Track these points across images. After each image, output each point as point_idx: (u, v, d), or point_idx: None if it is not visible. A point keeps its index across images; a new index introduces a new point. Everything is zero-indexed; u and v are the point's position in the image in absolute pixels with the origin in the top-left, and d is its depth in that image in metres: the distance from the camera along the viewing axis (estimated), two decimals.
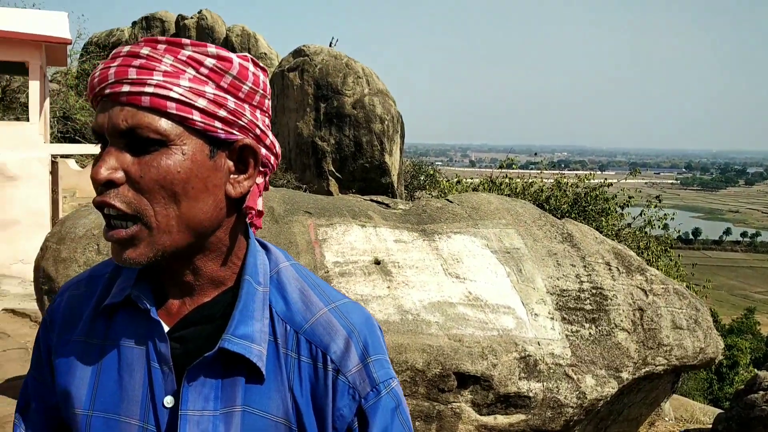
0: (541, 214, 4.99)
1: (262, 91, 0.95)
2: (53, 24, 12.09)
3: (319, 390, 0.94)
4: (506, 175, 12.03)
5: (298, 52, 14.06)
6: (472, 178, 14.19)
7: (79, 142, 19.71)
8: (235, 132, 0.90)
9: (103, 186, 0.86)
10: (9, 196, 11.18)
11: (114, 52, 0.91)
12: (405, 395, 3.66)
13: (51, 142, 13.88)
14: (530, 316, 4.18)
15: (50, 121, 15.28)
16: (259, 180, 0.96)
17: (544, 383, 3.97)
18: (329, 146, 13.34)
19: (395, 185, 13.35)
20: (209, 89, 0.88)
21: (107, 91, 0.87)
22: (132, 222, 0.87)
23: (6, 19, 11.70)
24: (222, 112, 0.89)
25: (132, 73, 0.86)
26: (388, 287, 4.01)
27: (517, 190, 11.36)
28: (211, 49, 0.90)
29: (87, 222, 4.29)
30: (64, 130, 20.13)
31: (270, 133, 0.97)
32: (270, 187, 1.01)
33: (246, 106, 0.92)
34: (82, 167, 19.57)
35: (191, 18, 26.97)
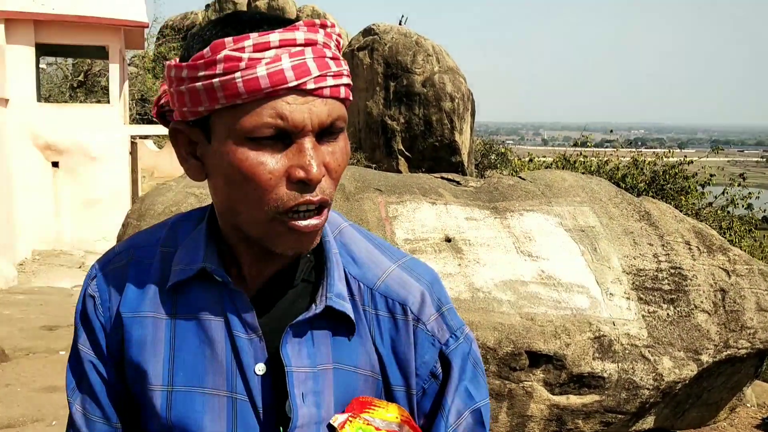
0: (618, 192, 4.86)
1: None
2: (131, 8, 12.46)
3: (400, 341, 0.97)
4: (580, 153, 11.76)
5: (367, 31, 14.04)
6: (544, 157, 13.94)
7: (155, 123, 20.34)
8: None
9: (317, 185, 0.86)
10: (92, 176, 11.67)
11: (267, 41, 0.83)
12: None
13: (130, 124, 14.37)
14: (605, 295, 4.08)
15: (129, 104, 15.80)
16: None
17: (619, 364, 3.88)
18: (399, 125, 13.31)
19: (465, 164, 13.22)
20: (344, 65, 0.90)
21: (311, 85, 0.83)
22: (321, 211, 0.89)
23: (87, 4, 12.12)
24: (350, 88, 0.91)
25: (333, 66, 0.85)
26: (459, 265, 3.99)
27: (592, 169, 11.09)
28: (330, 29, 0.90)
29: (165, 199, 4.42)
30: (142, 112, 20.80)
31: None
32: None
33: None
34: (159, 148, 20.21)
35: None
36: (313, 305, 0.94)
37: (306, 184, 0.85)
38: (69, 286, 9.34)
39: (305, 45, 0.84)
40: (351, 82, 0.90)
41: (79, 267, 10.68)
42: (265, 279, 0.97)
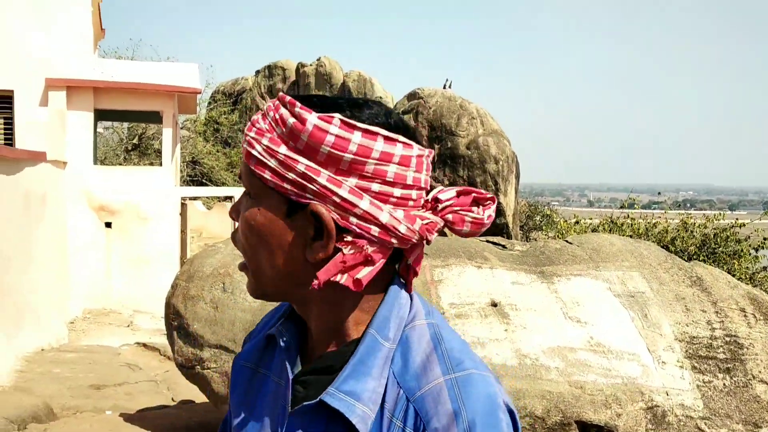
0: (668, 257, 4.76)
1: (354, 156, 0.87)
2: (185, 75, 12.96)
3: None
4: (628, 216, 11.60)
5: (412, 95, 14.31)
6: (590, 219, 13.77)
7: (205, 184, 20.86)
8: (308, 195, 0.88)
9: None
10: (143, 236, 11.96)
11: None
12: None
13: (180, 185, 14.77)
14: (657, 363, 3.96)
15: (180, 165, 16.28)
16: (376, 256, 0.89)
17: None
18: (444, 187, 13.38)
19: (510, 226, 13.16)
20: (282, 150, 0.88)
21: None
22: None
23: (144, 72, 12.66)
24: (290, 174, 0.87)
25: (252, 132, 0.93)
26: (506, 330, 3.93)
27: (640, 231, 10.90)
28: (297, 108, 0.88)
29: (213, 261, 4.50)
30: (192, 174, 21.39)
31: (365, 203, 0.87)
32: None
33: (324, 170, 0.87)
34: (208, 209, 20.67)
35: (310, 65, 28.17)
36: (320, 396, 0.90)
37: None
38: (117, 344, 9.47)
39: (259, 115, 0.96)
40: (252, 151, 0.91)
41: (127, 326, 10.84)
42: (316, 357, 0.98)
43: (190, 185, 18.64)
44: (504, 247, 4.73)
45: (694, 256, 10.15)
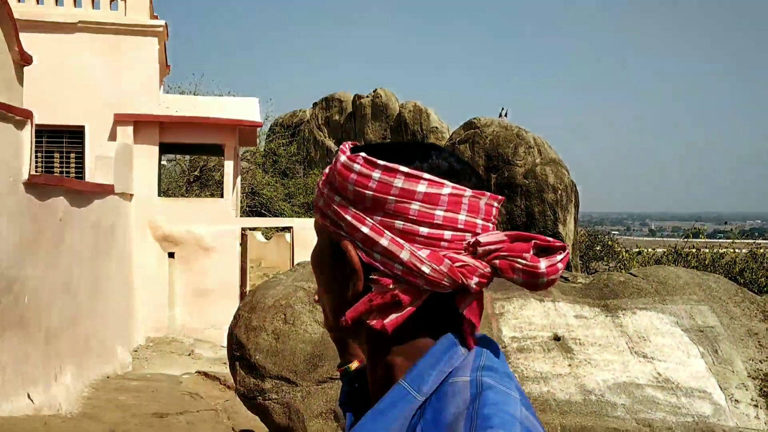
0: (738, 290, 4.60)
1: (374, 193, 0.88)
2: (246, 109, 13.31)
3: None
4: (692, 246, 11.26)
5: (468, 125, 14.31)
6: (653, 249, 13.42)
7: (264, 215, 21.22)
8: (342, 233, 0.91)
9: None
10: (204, 266, 12.22)
11: None
12: None
13: (240, 216, 15.07)
14: (730, 402, 3.81)
15: (240, 196, 16.64)
16: (404, 297, 0.88)
17: None
18: (500, 217, 13.29)
19: (570, 256, 12.95)
20: (326, 191, 0.94)
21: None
22: None
23: (207, 107, 13.06)
24: (329, 212, 0.93)
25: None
26: (569, 365, 3.85)
27: (706, 262, 10.57)
28: (338, 152, 0.94)
29: (275, 293, 4.56)
30: (252, 204, 21.79)
31: (385, 240, 0.87)
32: None
33: (351, 208, 0.89)
34: (267, 239, 20.98)
35: (367, 97, 28.48)
36: None
37: None
38: (178, 373, 9.65)
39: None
40: (323, 209, 0.94)
41: (189, 354, 11.04)
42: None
43: (249, 216, 18.98)
44: (566, 279, 4.65)
45: (765, 288, 9.76)
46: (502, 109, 15.36)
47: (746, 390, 3.88)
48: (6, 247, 5.80)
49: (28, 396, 6.10)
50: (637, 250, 12.87)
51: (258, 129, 14.90)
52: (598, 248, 17.04)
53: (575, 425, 3.47)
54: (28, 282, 6.30)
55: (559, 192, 12.94)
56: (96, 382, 8.09)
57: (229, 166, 13.09)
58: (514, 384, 0.88)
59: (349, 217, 0.89)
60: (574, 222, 13.62)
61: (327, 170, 0.95)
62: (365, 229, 0.88)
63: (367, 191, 0.87)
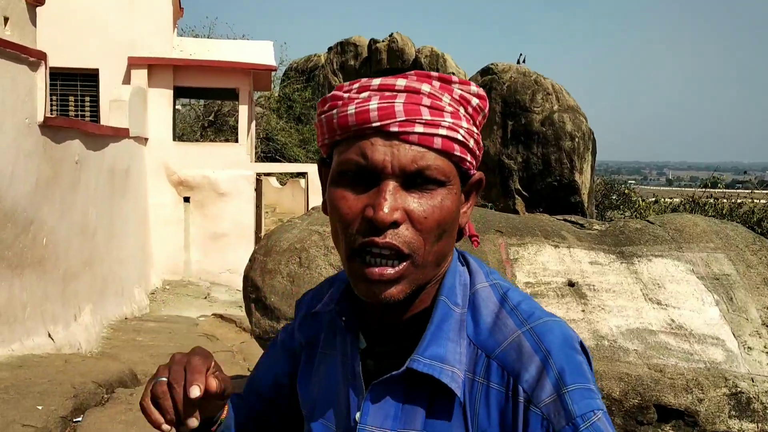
0: (756, 238, 4.56)
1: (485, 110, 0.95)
2: (260, 53, 13.15)
3: (508, 419, 0.85)
4: (711, 195, 11.16)
5: (485, 71, 14.09)
6: (670, 198, 13.31)
7: (278, 161, 21.22)
8: (475, 163, 0.94)
9: (382, 226, 0.83)
10: (220, 211, 12.28)
11: (369, 83, 0.88)
12: None
13: (255, 162, 15.06)
14: (743, 349, 3.81)
15: (255, 142, 16.59)
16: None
17: (759, 424, 3.60)
18: (516, 164, 13.18)
19: (585, 204, 12.86)
20: (474, 129, 0.91)
21: (394, 128, 0.84)
22: (399, 261, 0.85)
23: (221, 51, 12.92)
24: (476, 151, 0.92)
25: (425, 114, 0.84)
26: (583, 311, 3.86)
27: (724, 212, 10.49)
28: (473, 87, 0.91)
29: (290, 236, 4.57)
30: (266, 150, 21.76)
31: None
32: None
33: (479, 136, 0.94)
34: (282, 185, 21.03)
35: (383, 41, 28.05)
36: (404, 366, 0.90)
37: (373, 224, 0.83)
38: (195, 315, 9.80)
39: (402, 91, 0.85)
40: (463, 138, 0.87)
41: (205, 297, 11.20)
42: (387, 329, 0.97)
43: (264, 161, 18.97)
44: (582, 226, 4.63)
45: None
46: (521, 54, 15.13)
47: (759, 337, 3.88)
48: (23, 187, 5.84)
49: (49, 335, 6.23)
50: (654, 198, 12.77)
51: (272, 73, 14.75)
52: (614, 197, 16.91)
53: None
54: (46, 223, 6.37)
55: (577, 140, 12.80)
56: (114, 323, 8.24)
57: (243, 110, 13.02)
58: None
59: (481, 145, 0.95)
60: (591, 170, 13.50)
61: (458, 108, 0.88)
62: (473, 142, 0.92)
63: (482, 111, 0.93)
